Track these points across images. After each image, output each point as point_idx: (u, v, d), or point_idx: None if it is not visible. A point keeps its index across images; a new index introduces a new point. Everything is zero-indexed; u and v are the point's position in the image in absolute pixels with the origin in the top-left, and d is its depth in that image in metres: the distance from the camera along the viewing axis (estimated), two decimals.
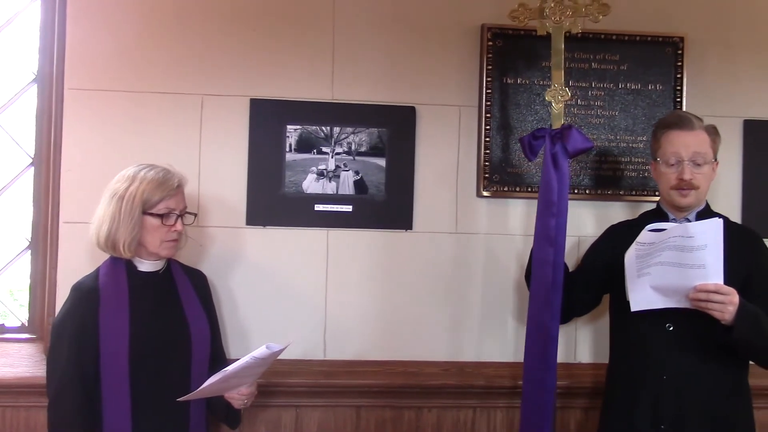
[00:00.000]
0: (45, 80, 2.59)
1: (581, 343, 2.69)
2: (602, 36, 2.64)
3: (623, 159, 2.68)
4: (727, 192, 2.71)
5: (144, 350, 2.02)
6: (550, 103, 2.32)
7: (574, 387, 2.59)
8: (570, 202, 2.29)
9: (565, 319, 2.35)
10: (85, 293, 2.05)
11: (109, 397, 2.00)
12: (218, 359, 2.20)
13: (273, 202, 2.56)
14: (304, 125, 2.57)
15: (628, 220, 2.43)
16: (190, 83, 2.54)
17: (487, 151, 2.62)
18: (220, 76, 2.56)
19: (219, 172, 2.56)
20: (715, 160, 2.19)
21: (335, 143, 2.58)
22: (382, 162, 2.60)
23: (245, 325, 2.56)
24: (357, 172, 2.59)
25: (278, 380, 2.47)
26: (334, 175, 2.58)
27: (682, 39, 2.67)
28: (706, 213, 2.19)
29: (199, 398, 2.07)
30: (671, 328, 2.13)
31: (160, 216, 2.04)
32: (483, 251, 2.66)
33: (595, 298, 2.42)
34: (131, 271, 2.09)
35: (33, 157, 2.61)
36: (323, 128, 2.58)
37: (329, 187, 2.58)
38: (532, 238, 2.31)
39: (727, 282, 1.96)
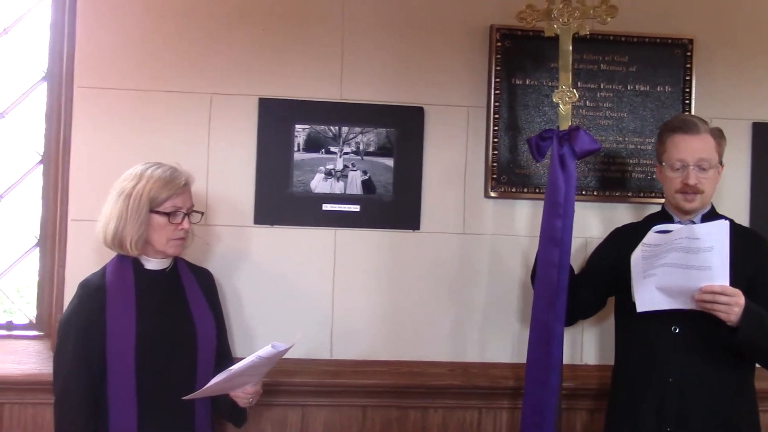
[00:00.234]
0: (54, 78, 2.60)
1: (587, 345, 2.69)
2: (611, 37, 2.63)
3: (631, 161, 2.67)
4: (734, 194, 2.70)
5: (150, 348, 2.02)
6: (557, 104, 2.32)
7: (580, 388, 2.59)
8: (577, 204, 2.29)
9: (570, 321, 2.35)
10: (92, 291, 2.05)
11: (115, 395, 2.01)
12: (224, 358, 2.20)
13: (281, 201, 2.56)
14: (312, 125, 2.58)
15: (633, 223, 2.43)
16: (199, 82, 2.55)
17: (495, 152, 2.62)
18: (228, 75, 2.56)
19: (227, 171, 2.56)
20: (721, 163, 2.19)
21: (343, 143, 2.59)
22: (390, 162, 2.60)
23: (251, 323, 2.56)
24: (365, 172, 2.59)
25: (284, 379, 2.48)
26: (342, 175, 2.58)
27: (691, 41, 2.67)
28: (712, 216, 2.18)
29: (205, 397, 2.07)
30: (677, 330, 2.13)
31: (167, 214, 2.05)
32: (490, 252, 2.66)
33: (600, 301, 2.42)
34: (138, 269, 2.10)
35: (42, 155, 2.62)
36: (331, 128, 2.58)
37: (337, 187, 2.58)
38: (538, 239, 2.31)
39: (732, 284, 1.96)
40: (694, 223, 2.14)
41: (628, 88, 2.67)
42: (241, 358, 2.00)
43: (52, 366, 2.08)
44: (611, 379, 2.35)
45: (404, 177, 2.61)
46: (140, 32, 2.54)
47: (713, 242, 1.94)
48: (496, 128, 2.62)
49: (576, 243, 2.45)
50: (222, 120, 2.56)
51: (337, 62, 2.60)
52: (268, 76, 2.57)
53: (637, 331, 2.20)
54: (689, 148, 2.14)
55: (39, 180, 2.62)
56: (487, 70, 2.64)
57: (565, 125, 2.30)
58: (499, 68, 2.61)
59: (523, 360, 2.41)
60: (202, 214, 2.19)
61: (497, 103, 2.62)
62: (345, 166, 2.59)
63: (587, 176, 2.66)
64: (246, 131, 2.57)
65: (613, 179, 2.67)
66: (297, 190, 2.57)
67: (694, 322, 2.07)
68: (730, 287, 1.95)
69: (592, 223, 2.67)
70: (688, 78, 2.67)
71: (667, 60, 2.67)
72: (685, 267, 1.97)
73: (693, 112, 2.64)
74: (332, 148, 2.59)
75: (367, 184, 2.60)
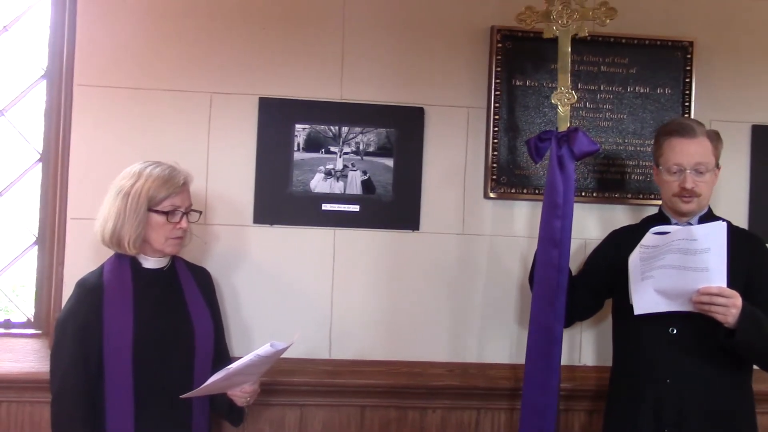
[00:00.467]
0: (54, 76, 2.59)
1: (585, 346, 2.69)
2: (611, 39, 2.64)
3: (630, 162, 2.68)
4: (733, 197, 2.71)
5: (147, 347, 2.02)
6: (556, 105, 2.33)
7: (578, 390, 2.60)
8: (576, 205, 2.29)
9: (567, 323, 2.35)
10: (89, 290, 2.05)
11: (112, 394, 2.00)
12: (222, 357, 2.20)
13: (280, 200, 2.56)
14: (312, 124, 2.58)
15: (630, 225, 2.44)
16: (199, 81, 2.55)
17: (495, 153, 2.62)
18: (228, 74, 2.56)
19: (227, 171, 2.56)
20: (717, 166, 2.19)
21: (343, 143, 2.59)
22: (389, 162, 2.60)
23: (250, 323, 2.56)
24: (365, 172, 2.59)
25: (283, 379, 2.48)
26: (341, 175, 2.58)
27: (691, 43, 2.67)
28: (709, 218, 2.19)
29: (202, 395, 2.07)
30: (674, 332, 2.13)
31: (166, 213, 2.05)
32: (489, 252, 2.66)
33: (598, 303, 2.42)
34: (136, 267, 2.10)
35: (41, 153, 2.62)
36: (331, 128, 2.58)
37: (337, 187, 2.58)
38: (537, 240, 2.31)
39: (730, 285, 1.96)
40: (691, 225, 2.14)
41: (628, 90, 2.67)
42: (239, 358, 2.00)
43: (49, 365, 2.08)
44: (609, 381, 2.36)
45: (404, 177, 2.61)
46: (140, 31, 2.53)
47: (711, 243, 1.95)
48: (495, 129, 2.62)
49: (575, 244, 2.45)
50: (222, 119, 2.56)
51: (337, 62, 2.60)
52: (269, 76, 2.57)
53: (635, 332, 2.21)
54: (686, 151, 2.14)
55: (38, 178, 2.62)
56: (487, 71, 2.64)
57: (563, 126, 2.30)
58: (499, 69, 2.62)
59: (522, 361, 2.42)
60: (201, 213, 2.19)
61: (497, 104, 2.62)
62: (345, 166, 2.59)
63: (586, 178, 2.67)
64: (246, 131, 2.56)
65: (612, 181, 2.67)
66: (296, 190, 2.57)
67: (691, 323, 2.08)
68: (728, 289, 1.95)
69: (591, 225, 2.67)
70: (688, 80, 2.68)
71: (667, 62, 2.67)
72: (683, 268, 1.98)
73: (693, 115, 2.64)
74: (332, 148, 2.59)
75: (367, 184, 2.60)
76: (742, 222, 2.65)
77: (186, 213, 2.10)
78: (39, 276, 2.60)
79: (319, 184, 2.58)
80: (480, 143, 2.65)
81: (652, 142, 2.61)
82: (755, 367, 2.19)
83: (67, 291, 2.19)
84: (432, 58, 2.63)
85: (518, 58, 2.63)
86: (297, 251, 2.58)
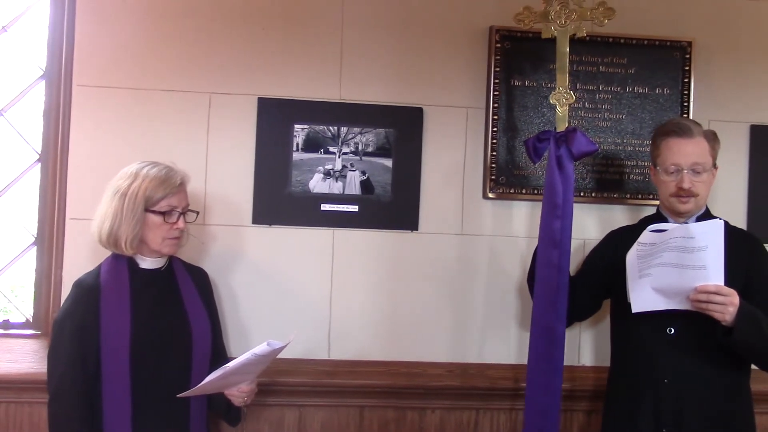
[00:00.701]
0: (53, 76, 2.59)
1: (584, 346, 2.69)
2: (610, 39, 2.64)
3: (629, 162, 2.68)
4: (732, 197, 2.71)
5: (144, 347, 2.02)
6: (555, 105, 2.33)
7: (577, 390, 2.59)
8: (575, 205, 2.29)
9: (566, 323, 2.34)
10: (86, 290, 2.05)
11: (109, 394, 2.00)
12: (219, 357, 2.20)
13: (279, 201, 2.56)
14: (311, 125, 2.58)
15: (628, 225, 2.44)
16: (198, 81, 2.55)
17: (494, 153, 2.62)
18: (228, 74, 2.56)
19: (226, 171, 2.56)
20: (715, 166, 2.19)
21: (342, 143, 2.59)
22: (388, 162, 2.60)
23: (249, 323, 2.56)
24: (363, 172, 2.59)
25: (282, 379, 2.48)
26: (340, 175, 2.58)
27: (689, 43, 2.67)
28: (706, 218, 2.19)
29: (200, 395, 2.07)
30: (672, 332, 2.13)
31: (163, 213, 2.05)
32: (488, 253, 2.66)
33: (596, 303, 2.42)
34: (133, 268, 2.09)
35: (40, 153, 2.62)
36: (330, 128, 2.58)
37: (336, 187, 2.58)
38: (536, 240, 2.31)
39: (727, 285, 1.96)
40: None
41: (627, 90, 2.67)
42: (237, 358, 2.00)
43: (46, 365, 2.07)
44: (607, 381, 2.36)
45: (403, 177, 2.61)
46: (139, 31, 2.53)
47: (708, 241, 1.95)
48: (494, 129, 2.62)
49: (574, 244, 2.44)
50: (221, 119, 2.56)
51: (336, 62, 2.60)
52: (268, 76, 2.57)
53: (633, 332, 2.21)
54: (683, 152, 2.14)
55: (37, 178, 2.61)
56: (486, 71, 2.64)
57: (562, 127, 2.30)
58: (498, 69, 2.62)
59: (521, 361, 2.42)
60: (198, 213, 2.18)
61: (496, 104, 2.62)
62: (344, 166, 2.59)
63: (585, 178, 2.67)
64: (245, 131, 2.56)
65: (611, 181, 2.68)
66: (295, 190, 2.57)
67: (690, 323, 2.08)
68: (725, 287, 1.96)
69: (589, 225, 2.67)
70: (686, 80, 2.68)
71: (665, 62, 2.67)
72: (680, 266, 1.98)
73: (691, 115, 2.64)
74: (331, 148, 2.59)
75: (366, 185, 2.60)
76: (740, 222, 2.65)
77: (183, 213, 2.10)
78: (38, 276, 2.60)
79: (318, 184, 2.58)
80: (479, 143, 2.65)
81: (650, 142, 2.63)
82: (754, 367, 2.19)
83: (66, 291, 2.19)
84: (431, 58, 2.63)
85: (517, 58, 2.63)
86: (296, 251, 2.58)
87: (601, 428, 2.34)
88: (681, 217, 2.19)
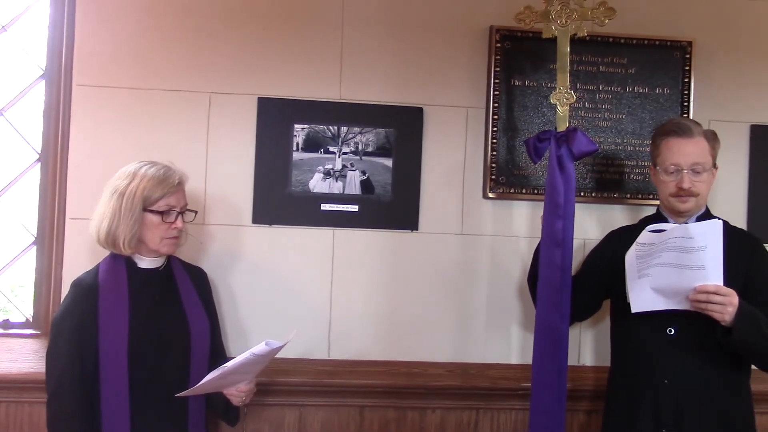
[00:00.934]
0: (53, 76, 2.59)
1: (584, 346, 2.70)
2: (610, 39, 2.64)
3: (629, 162, 2.68)
4: (732, 197, 2.71)
5: (143, 347, 2.02)
6: (555, 105, 2.33)
7: (577, 390, 2.58)
8: (575, 205, 2.29)
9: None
10: (85, 290, 2.05)
11: (107, 394, 2.00)
12: (219, 357, 2.20)
13: (279, 200, 2.56)
14: (311, 124, 2.58)
15: (628, 225, 2.44)
16: (198, 81, 2.55)
17: (494, 153, 2.62)
18: (228, 74, 2.56)
19: (226, 170, 2.56)
20: (715, 166, 2.19)
21: (342, 143, 2.59)
22: (388, 162, 2.60)
23: (248, 323, 2.56)
24: (363, 172, 2.59)
25: (282, 379, 2.48)
26: (340, 175, 2.58)
27: (690, 43, 2.67)
28: (706, 218, 2.18)
29: (198, 394, 2.07)
30: (672, 332, 2.13)
31: (161, 213, 2.05)
32: (488, 253, 2.66)
33: (596, 303, 2.42)
34: (131, 267, 2.09)
35: (40, 153, 2.61)
36: (330, 128, 2.58)
37: (336, 187, 2.58)
38: (537, 240, 2.31)
39: (727, 285, 1.96)
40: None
41: (627, 90, 2.67)
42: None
43: (45, 364, 2.07)
44: (607, 381, 2.36)
45: (403, 177, 2.61)
46: (139, 30, 2.53)
47: (707, 241, 1.95)
48: (494, 129, 2.62)
49: (574, 244, 2.44)
50: (221, 119, 2.56)
51: (336, 62, 2.60)
52: (268, 76, 2.57)
53: (632, 333, 2.21)
54: (683, 152, 2.14)
55: (37, 178, 2.61)
56: (486, 71, 2.64)
57: (562, 126, 2.30)
58: (498, 69, 2.62)
59: (522, 360, 2.42)
60: (196, 213, 2.18)
61: (496, 104, 2.62)
62: (344, 166, 2.59)
63: (585, 178, 2.67)
64: (245, 130, 2.56)
65: (611, 181, 2.68)
66: (295, 190, 2.57)
67: (689, 323, 2.08)
68: (724, 287, 1.95)
69: (589, 225, 2.67)
70: (686, 80, 2.68)
71: (666, 62, 2.67)
72: (679, 266, 1.98)
73: (691, 115, 2.65)
74: (331, 148, 2.58)
75: (366, 184, 2.60)
76: (740, 222, 2.65)
77: (181, 213, 2.09)
78: (38, 276, 2.60)
79: (318, 184, 2.58)
80: (479, 143, 2.65)
81: (650, 142, 2.63)
82: (754, 367, 2.19)
83: (66, 291, 2.19)
84: (431, 58, 2.63)
85: (517, 58, 2.63)
86: (296, 251, 2.58)
87: (602, 428, 2.34)
88: (681, 217, 2.19)
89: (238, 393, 2.10)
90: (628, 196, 2.67)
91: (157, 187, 2.03)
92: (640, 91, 2.67)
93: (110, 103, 2.52)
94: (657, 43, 2.67)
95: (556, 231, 2.22)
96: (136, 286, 2.07)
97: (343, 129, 2.59)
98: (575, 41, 2.33)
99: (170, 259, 2.18)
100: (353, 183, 2.59)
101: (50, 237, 2.57)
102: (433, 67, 2.63)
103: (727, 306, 1.94)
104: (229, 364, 1.96)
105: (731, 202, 2.70)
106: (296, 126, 2.57)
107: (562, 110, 2.31)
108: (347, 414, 2.57)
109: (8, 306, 2.67)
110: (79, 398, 1.99)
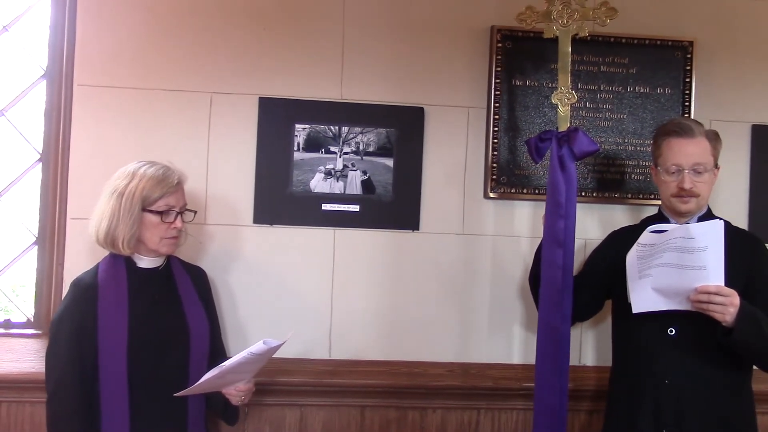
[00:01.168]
0: (54, 76, 2.59)
1: (586, 346, 2.69)
2: (611, 39, 2.64)
3: (630, 162, 2.68)
4: (733, 197, 2.71)
5: (142, 347, 2.02)
6: (556, 105, 2.33)
7: (579, 390, 2.58)
8: (577, 205, 2.28)
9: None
10: (84, 289, 2.05)
11: (107, 393, 2.00)
12: (219, 357, 2.20)
13: (280, 200, 2.56)
14: (312, 124, 2.58)
15: (630, 225, 2.43)
16: (199, 81, 2.55)
17: (495, 153, 2.62)
18: (229, 74, 2.56)
19: (227, 170, 2.56)
20: (716, 166, 2.19)
21: (343, 143, 2.58)
22: (389, 162, 2.60)
23: (249, 323, 2.56)
24: (365, 172, 2.59)
25: (283, 379, 2.48)
26: (341, 175, 2.58)
27: (691, 43, 2.67)
28: (707, 218, 2.18)
29: (197, 394, 2.07)
30: (673, 333, 2.13)
31: (160, 213, 2.05)
32: (489, 253, 2.66)
33: (597, 303, 2.42)
34: (131, 267, 2.09)
35: (41, 153, 2.62)
36: (331, 128, 2.58)
37: (337, 187, 2.58)
38: (538, 240, 2.32)
39: (728, 285, 1.96)
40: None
41: (628, 89, 2.67)
42: None
43: (45, 364, 2.07)
44: (609, 381, 2.36)
45: (404, 177, 2.61)
46: (141, 30, 2.53)
47: (708, 242, 1.95)
48: (496, 129, 2.62)
49: (576, 244, 2.44)
50: (222, 119, 2.56)
51: (337, 62, 2.60)
52: (269, 76, 2.57)
53: (634, 333, 2.21)
54: (684, 152, 2.14)
55: (38, 178, 2.62)
56: (487, 71, 2.64)
57: (564, 126, 2.30)
58: (499, 69, 2.62)
59: (523, 360, 2.42)
60: (195, 212, 2.18)
61: (497, 104, 2.62)
62: (345, 166, 2.59)
63: (586, 178, 2.66)
64: (246, 130, 2.56)
65: (612, 181, 2.67)
66: (296, 190, 2.57)
67: (690, 324, 2.08)
68: (726, 287, 1.95)
69: (591, 225, 2.67)
70: (688, 80, 2.68)
71: (667, 62, 2.67)
72: (681, 267, 1.98)
73: (693, 115, 2.64)
74: (332, 148, 2.58)
75: (367, 184, 2.60)
76: (742, 222, 2.65)
77: (180, 213, 2.10)
78: (39, 276, 2.60)
79: (319, 184, 2.58)
80: (480, 143, 2.65)
81: (652, 142, 2.63)
82: (755, 367, 2.18)
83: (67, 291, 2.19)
84: (432, 57, 2.63)
85: (518, 57, 2.63)
86: (297, 251, 2.58)
87: (603, 428, 2.34)
88: (682, 217, 2.19)
89: (236, 392, 2.10)
90: (630, 196, 2.67)
91: (156, 187, 2.03)
92: (642, 91, 2.67)
93: (111, 103, 2.52)
94: (658, 43, 2.67)
95: (557, 231, 2.22)
96: (135, 285, 2.07)
97: (344, 129, 2.59)
98: (576, 41, 2.33)
99: (170, 259, 2.18)
100: (354, 183, 2.59)
101: (51, 237, 2.57)
102: (435, 67, 2.63)
103: (728, 306, 1.94)
104: (226, 363, 1.96)
105: (732, 202, 2.69)
106: (297, 126, 2.57)
107: (564, 110, 2.31)
108: (348, 414, 2.57)
109: (9, 306, 2.68)
110: (79, 398, 1.99)
